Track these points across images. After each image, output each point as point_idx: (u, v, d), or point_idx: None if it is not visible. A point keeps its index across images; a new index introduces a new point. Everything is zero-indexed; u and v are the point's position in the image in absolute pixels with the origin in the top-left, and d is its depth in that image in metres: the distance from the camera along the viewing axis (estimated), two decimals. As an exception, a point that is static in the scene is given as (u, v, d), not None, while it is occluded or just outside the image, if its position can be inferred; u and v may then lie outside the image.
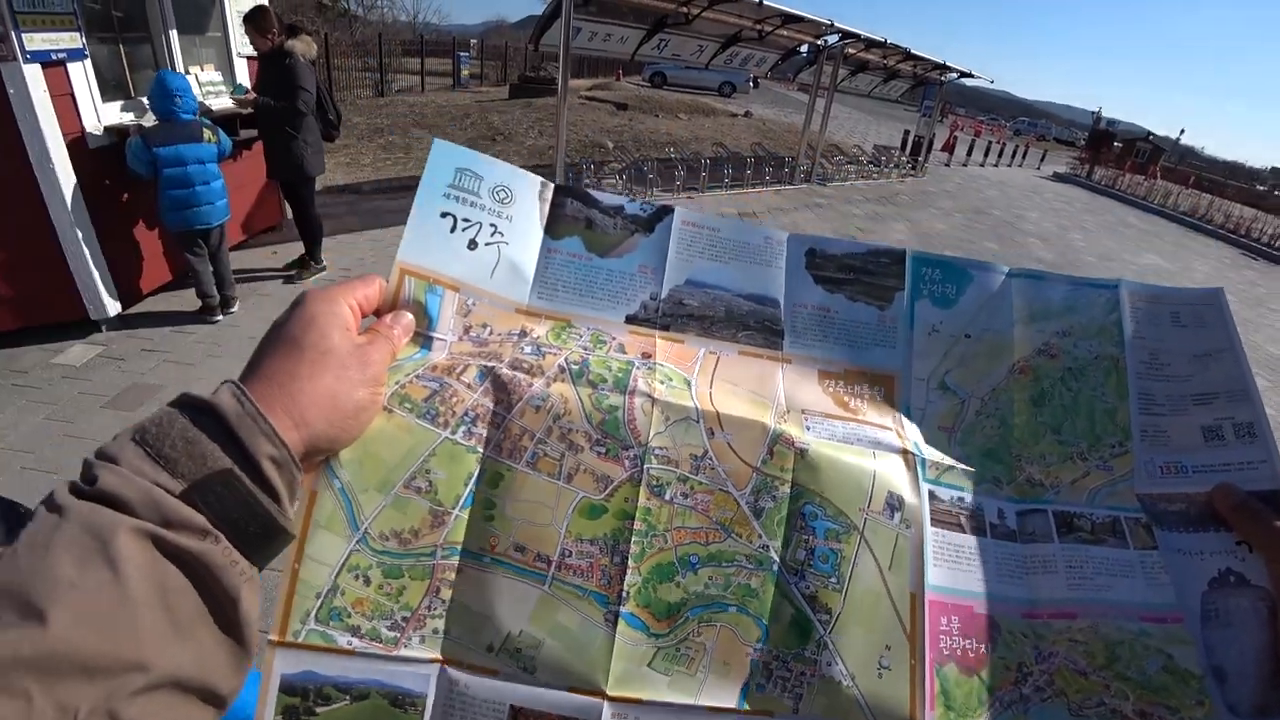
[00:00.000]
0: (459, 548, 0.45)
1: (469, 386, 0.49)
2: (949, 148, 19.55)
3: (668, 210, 0.60)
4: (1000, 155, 20.80)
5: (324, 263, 5.01)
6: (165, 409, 0.36)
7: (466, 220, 0.54)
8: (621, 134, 11.69)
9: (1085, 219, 13.67)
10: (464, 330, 0.52)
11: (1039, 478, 0.55)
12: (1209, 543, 0.51)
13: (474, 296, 0.53)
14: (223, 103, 4.60)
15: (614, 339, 0.55)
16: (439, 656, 0.43)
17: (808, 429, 0.52)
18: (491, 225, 0.55)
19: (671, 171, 8.80)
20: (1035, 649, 0.48)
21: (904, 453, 0.53)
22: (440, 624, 0.44)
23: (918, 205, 10.87)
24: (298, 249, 4.98)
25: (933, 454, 0.54)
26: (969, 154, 20.37)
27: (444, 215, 0.53)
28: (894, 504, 0.50)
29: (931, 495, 0.52)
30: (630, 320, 0.56)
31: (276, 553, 0.39)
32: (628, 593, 0.45)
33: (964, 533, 0.51)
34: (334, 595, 0.43)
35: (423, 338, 0.51)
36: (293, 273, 4.91)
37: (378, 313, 0.49)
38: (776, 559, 0.47)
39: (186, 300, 4.15)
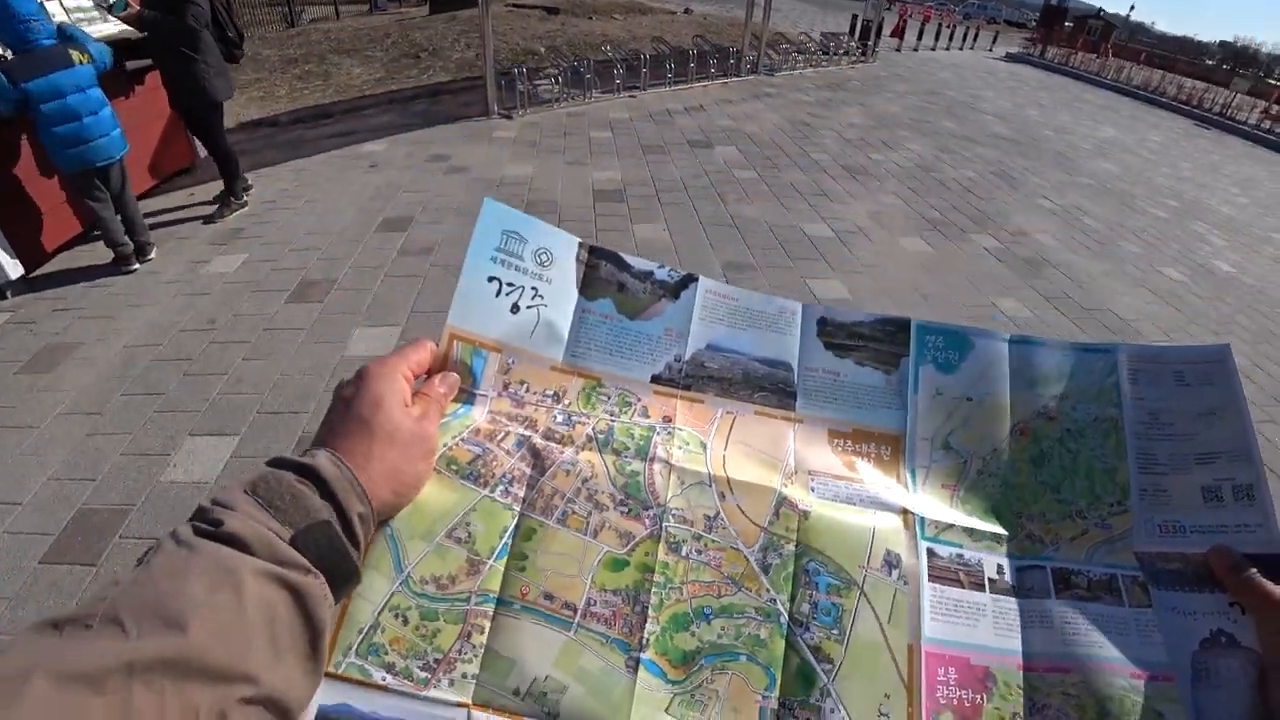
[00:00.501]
0: (493, 595, 0.50)
1: (508, 453, 0.55)
2: (899, 33, 18.98)
3: (693, 278, 0.65)
4: (951, 39, 20.10)
5: (245, 199, 4.69)
6: (271, 470, 0.44)
7: (511, 285, 0.60)
8: (554, 39, 10.96)
9: (1041, 96, 13.50)
10: (503, 387, 0.58)
11: (1039, 534, 0.57)
12: (1203, 603, 0.53)
13: (514, 355, 0.59)
14: (105, 29, 4.11)
15: (639, 400, 0.60)
16: (467, 701, 0.47)
17: (812, 490, 0.56)
18: (533, 289, 0.61)
19: (610, 71, 8.38)
20: (1029, 701, 0.51)
21: (904, 512, 0.57)
22: (470, 668, 0.48)
23: (870, 90, 10.63)
24: (216, 189, 4.70)
25: (933, 513, 0.57)
26: (919, 38, 19.85)
27: (490, 279, 0.59)
28: (892, 561, 0.54)
29: (930, 553, 0.55)
30: (655, 380, 0.61)
31: (347, 594, 0.46)
32: (647, 640, 0.49)
33: (962, 588, 0.55)
34: (375, 632, 0.47)
35: (467, 394, 0.57)
36: (212, 211, 4.54)
37: (429, 371, 0.56)
38: (783, 611, 0.51)
39: (100, 253, 3.90)
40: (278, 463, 0.44)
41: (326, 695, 0.45)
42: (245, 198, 4.70)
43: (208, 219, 4.51)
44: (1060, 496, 0.59)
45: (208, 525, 0.39)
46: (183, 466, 2.49)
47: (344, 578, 0.43)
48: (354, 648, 0.47)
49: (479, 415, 0.57)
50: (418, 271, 3.95)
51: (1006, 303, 4.31)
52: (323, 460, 0.44)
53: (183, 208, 4.69)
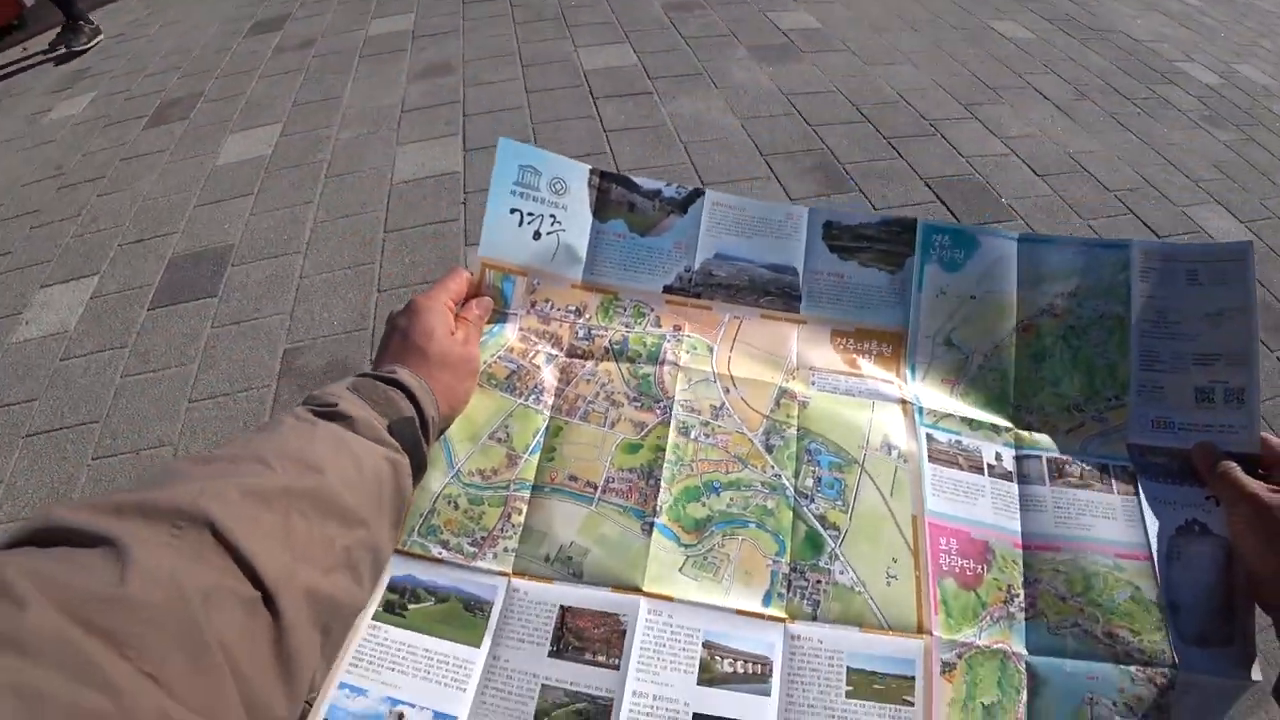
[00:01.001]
0: (528, 483, 0.57)
1: (538, 368, 0.62)
2: None
3: (700, 193, 0.68)
4: None
5: (96, 23, 4.05)
6: (362, 378, 0.52)
7: (530, 214, 0.66)
8: None
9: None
10: (531, 305, 0.65)
11: (1037, 426, 0.61)
12: (1183, 495, 0.57)
13: (538, 277, 0.66)
14: None
15: (652, 311, 0.65)
16: (508, 570, 0.53)
17: (813, 384, 0.61)
18: (551, 216, 0.66)
19: None
20: (1023, 574, 0.55)
21: (902, 402, 0.60)
22: (510, 544, 0.54)
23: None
24: (51, 38, 4.08)
25: (931, 403, 0.61)
26: None
27: (512, 211, 0.65)
28: (891, 444, 0.58)
29: (929, 437, 0.59)
30: (667, 289, 0.66)
31: (415, 483, 0.54)
32: (660, 508, 0.55)
33: (961, 470, 0.58)
34: (432, 516, 0.55)
35: (500, 314, 0.64)
36: (61, 50, 3.95)
37: (466, 297, 0.64)
38: (789, 485, 0.56)
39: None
40: (365, 375, 0.53)
41: (395, 568, 0.53)
42: (96, 22, 4.03)
43: (61, 59, 3.91)
44: (1059, 390, 0.61)
45: (323, 407, 0.47)
46: (36, 322, 2.19)
47: (419, 467, 0.52)
48: (416, 529, 0.54)
49: (511, 333, 0.64)
50: (297, 66, 3.46)
51: (1004, 25, 3.80)
52: (403, 374, 0.53)
53: (15, 64, 4.07)
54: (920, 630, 0.51)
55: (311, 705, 0.45)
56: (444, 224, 1.79)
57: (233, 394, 1.39)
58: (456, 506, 0.55)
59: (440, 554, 0.53)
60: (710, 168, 2.12)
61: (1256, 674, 0.51)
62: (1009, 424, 0.61)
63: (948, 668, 0.50)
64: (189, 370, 1.51)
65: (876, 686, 0.49)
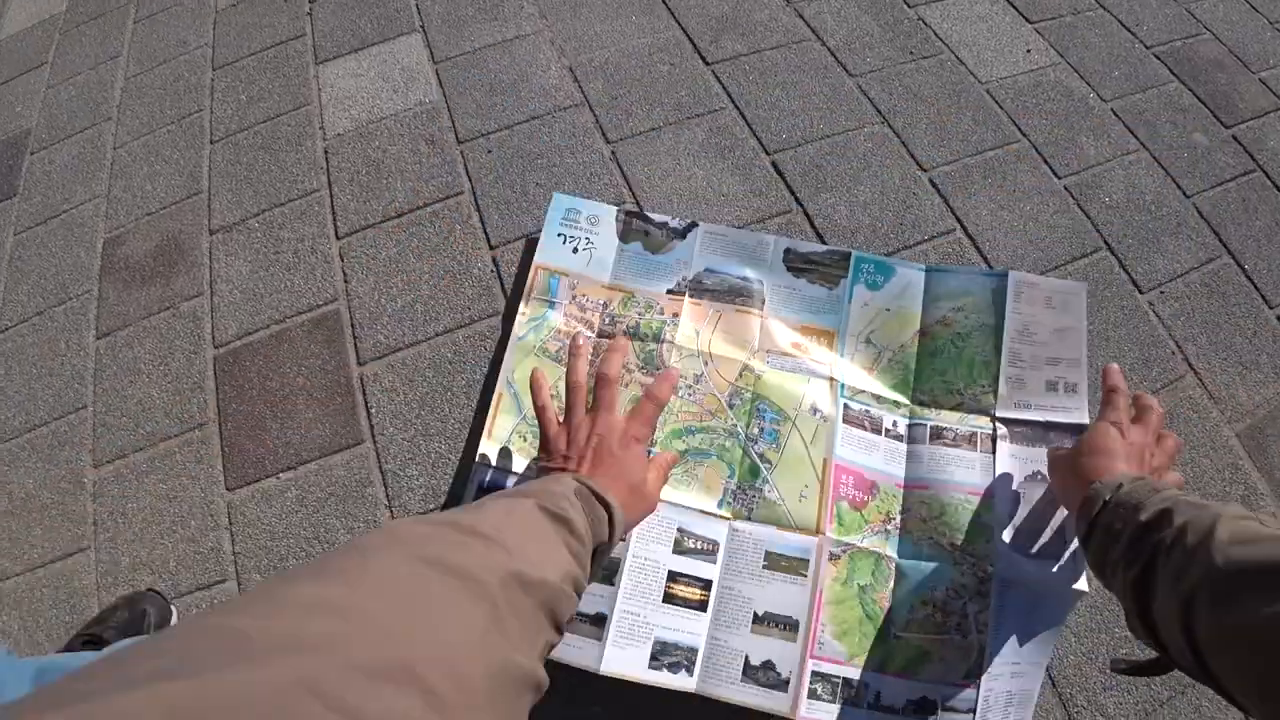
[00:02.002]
0: None
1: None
2: None
3: (695, 224, 0.97)
4: None
5: None
6: (584, 488, 0.56)
7: (573, 237, 0.95)
8: None
9: None
10: (571, 297, 0.93)
11: (927, 403, 0.88)
12: (1032, 455, 0.83)
13: (577, 279, 0.94)
14: None
15: (658, 304, 0.93)
16: None
17: (767, 363, 0.88)
18: (586, 238, 0.96)
19: None
20: (901, 505, 0.82)
21: (830, 380, 0.88)
22: None
23: None
24: None
25: (852, 381, 0.88)
26: None
27: (559, 235, 0.95)
28: (817, 409, 0.86)
29: (846, 407, 0.87)
30: (669, 291, 0.94)
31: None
32: (656, 442, 0.84)
33: (865, 431, 0.86)
34: (508, 443, 0.84)
35: (549, 303, 0.92)
36: None
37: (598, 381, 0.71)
38: (741, 432, 0.85)
39: None
40: (588, 487, 0.57)
41: (483, 476, 0.82)
42: None
43: None
44: (946, 379, 0.88)
45: (557, 511, 0.50)
46: None
47: (598, 568, 0.57)
48: (498, 452, 0.83)
49: (558, 318, 0.92)
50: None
51: None
52: (618, 513, 0.58)
53: None
54: (818, 531, 0.80)
55: None
56: (286, 44, 1.40)
57: (48, 310, 1.16)
58: (524, 439, 0.85)
59: (514, 467, 0.83)
60: None
61: (1083, 585, 0.76)
62: (907, 401, 0.88)
63: (834, 557, 0.79)
64: None
65: (783, 564, 0.79)
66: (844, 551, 0.79)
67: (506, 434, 0.85)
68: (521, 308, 0.92)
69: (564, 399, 0.72)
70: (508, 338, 0.92)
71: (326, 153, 1.20)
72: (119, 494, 0.95)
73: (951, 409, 0.86)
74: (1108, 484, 0.61)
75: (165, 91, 1.41)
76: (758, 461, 0.84)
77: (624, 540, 0.77)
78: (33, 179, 1.40)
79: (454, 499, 0.87)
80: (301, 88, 1.31)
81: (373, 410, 0.95)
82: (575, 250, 0.96)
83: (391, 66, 1.28)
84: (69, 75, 1.62)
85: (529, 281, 0.93)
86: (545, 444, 0.70)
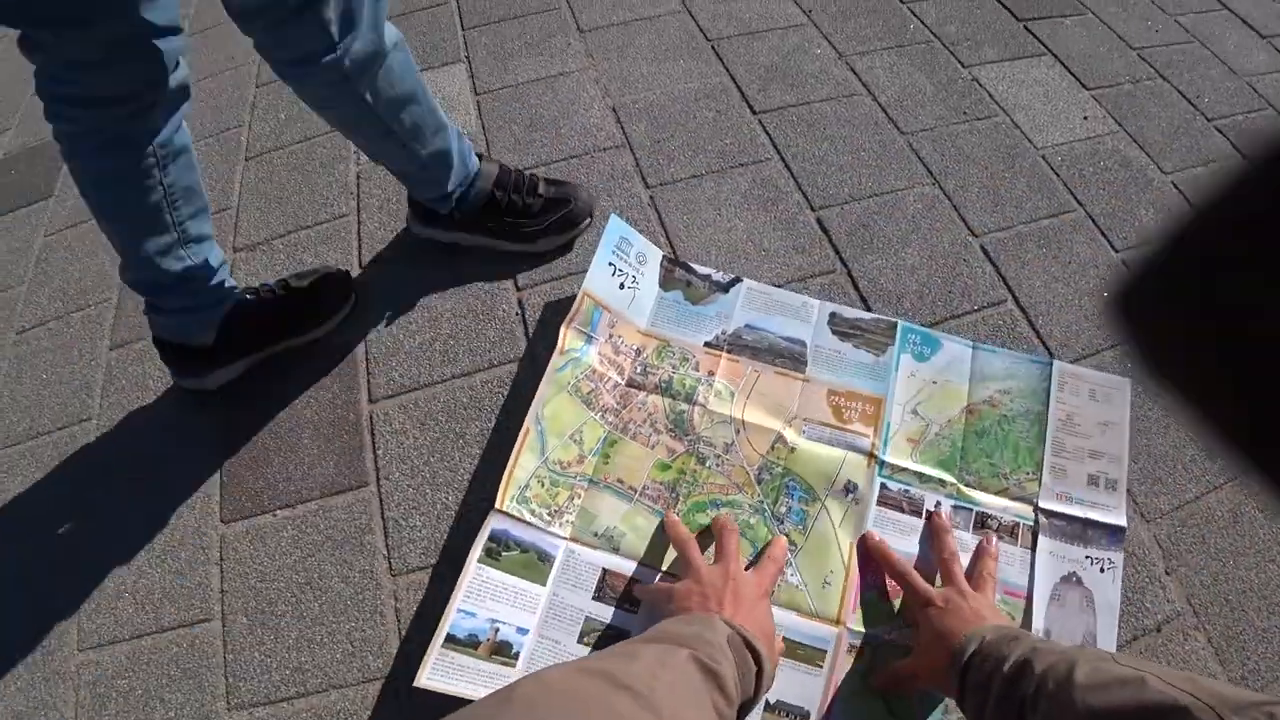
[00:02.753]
0: (588, 477, 0.81)
1: (607, 392, 0.85)
2: None
3: (739, 280, 0.92)
4: None
5: None
6: (737, 635, 0.58)
7: (621, 271, 0.91)
8: None
9: None
10: (608, 335, 0.89)
11: (974, 485, 0.82)
12: (1070, 552, 0.78)
13: (617, 317, 0.89)
14: None
15: (694, 357, 0.88)
16: (569, 536, 0.78)
17: (803, 433, 0.83)
18: (633, 276, 0.92)
19: None
20: None
21: (869, 455, 0.82)
22: (571, 518, 0.78)
23: None
24: None
25: (893, 459, 0.82)
26: None
27: (609, 264, 0.91)
28: (850, 487, 0.80)
29: (883, 486, 0.81)
30: (707, 344, 0.89)
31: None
32: (678, 514, 0.78)
33: (903, 513, 0.80)
34: (526, 489, 0.79)
35: (587, 337, 0.87)
36: None
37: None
38: (768, 510, 0.79)
39: None
40: (739, 634, 0.58)
41: (496, 523, 0.76)
42: None
43: None
44: (993, 461, 0.82)
45: (710, 664, 0.51)
46: None
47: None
48: (514, 497, 0.78)
49: (593, 356, 0.87)
50: None
51: None
52: (767, 667, 0.59)
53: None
54: (838, 622, 0.74)
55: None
56: None
57: (66, 315, 1.13)
58: (542, 485, 0.80)
59: (528, 518, 0.78)
60: None
61: None
62: (954, 480, 0.82)
63: (853, 649, 0.73)
64: (17, 294, 1.19)
65: (800, 652, 0.72)
66: (867, 644, 0.73)
67: (526, 476, 0.80)
68: (563, 330, 0.87)
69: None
70: (524, 384, 0.89)
71: (359, 177, 1.18)
72: (112, 514, 0.90)
73: (997, 493, 0.81)
74: (970, 639, 0.61)
75: (208, 104, 1.41)
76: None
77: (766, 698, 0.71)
78: (69, 182, 1.35)
79: (456, 556, 0.81)
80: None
81: (380, 452, 0.90)
82: (621, 286, 0.92)
83: (433, 93, 1.26)
84: (122, 83, 1.61)
85: (575, 306, 0.88)
86: (691, 574, 0.70)
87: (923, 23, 1.38)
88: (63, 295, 1.17)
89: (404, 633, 0.78)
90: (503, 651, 0.71)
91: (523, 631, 0.72)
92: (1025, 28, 1.39)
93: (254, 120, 1.33)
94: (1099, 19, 1.43)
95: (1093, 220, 1.09)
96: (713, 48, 1.32)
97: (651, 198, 1.10)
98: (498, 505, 0.77)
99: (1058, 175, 1.15)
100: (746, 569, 0.71)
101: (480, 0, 1.45)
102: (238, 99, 1.39)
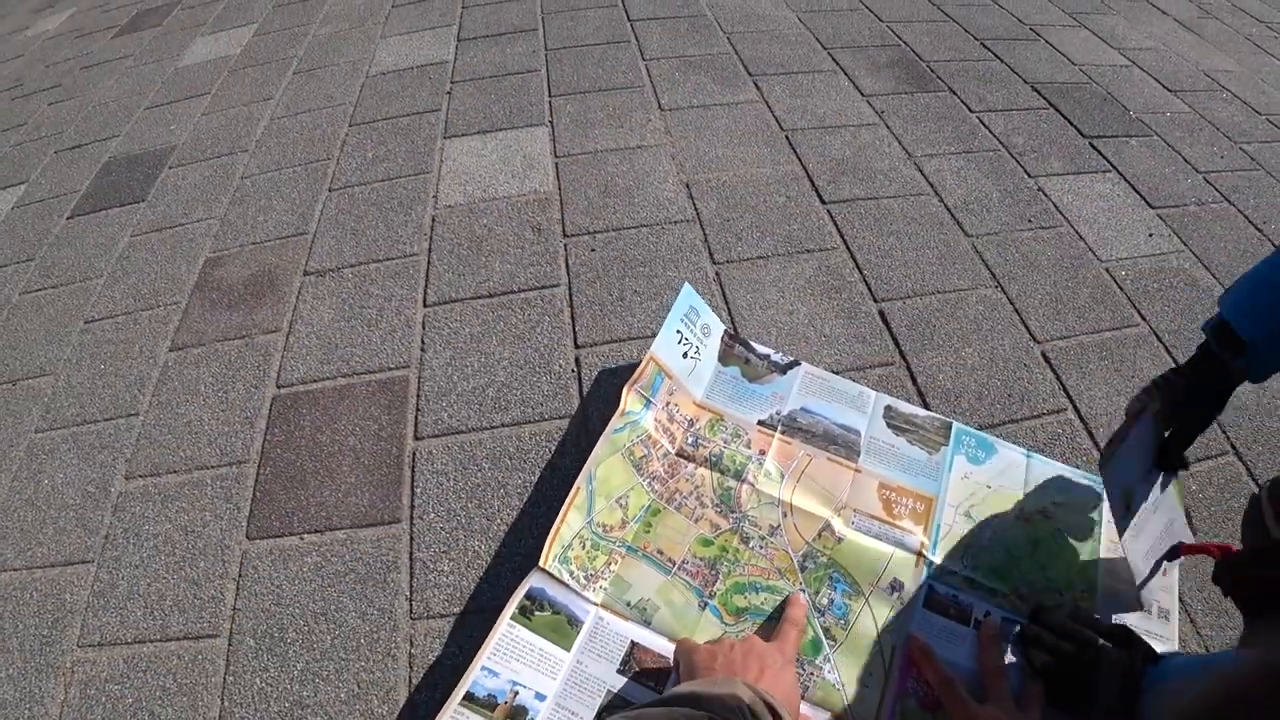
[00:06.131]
0: (629, 544, 0.78)
1: (657, 460, 0.84)
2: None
3: (797, 363, 0.92)
4: None
5: None
6: (765, 703, 0.56)
7: (686, 340, 0.92)
8: None
9: None
10: (665, 403, 0.88)
11: (1026, 595, 0.77)
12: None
13: (677, 385, 0.89)
14: None
15: (746, 434, 0.87)
16: (599, 602, 0.75)
17: (852, 524, 0.80)
18: (697, 347, 0.92)
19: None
20: None
21: (919, 554, 0.78)
22: (605, 584, 0.75)
23: None
24: None
25: (944, 562, 0.78)
26: None
27: (677, 332, 0.92)
28: (896, 586, 0.76)
29: (930, 588, 0.77)
30: (760, 423, 0.88)
31: None
32: (715, 593, 0.75)
33: (949, 618, 0.75)
34: (569, 549, 0.76)
35: (647, 401, 0.87)
36: None
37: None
38: (809, 600, 0.75)
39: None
40: (764, 700, 0.57)
41: (536, 581, 0.74)
42: None
43: None
44: (1048, 574, 0.78)
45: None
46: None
47: None
48: (557, 557, 0.76)
49: (650, 421, 0.86)
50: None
51: None
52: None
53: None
54: None
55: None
56: (421, 115, 1.50)
57: (135, 312, 1.19)
58: (584, 546, 0.77)
59: (565, 578, 0.75)
60: (760, 58, 1.75)
61: None
62: (1007, 590, 0.77)
63: None
64: (93, 285, 1.27)
65: None
66: None
67: (571, 535, 0.77)
68: (625, 392, 0.86)
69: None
70: (570, 442, 0.88)
71: (434, 220, 1.22)
72: (140, 513, 0.90)
73: (1052, 608, 0.75)
74: None
75: (301, 136, 1.51)
76: (822, 636, 0.73)
77: None
78: (163, 190, 1.52)
79: (480, 607, 0.78)
80: (425, 156, 1.37)
81: (418, 490, 0.89)
82: (685, 355, 0.92)
83: (514, 152, 1.32)
84: (224, 107, 1.83)
85: (640, 369, 0.88)
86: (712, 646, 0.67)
87: (990, 131, 1.42)
88: (135, 293, 1.22)
89: (414, 681, 0.74)
90: (518, 717, 0.67)
91: (540, 698, 0.69)
92: (1090, 144, 1.42)
93: (342, 155, 1.41)
94: (1164, 141, 1.45)
95: (1157, 336, 1.07)
96: (786, 137, 1.36)
97: (717, 273, 1.12)
98: (541, 563, 0.74)
99: (1121, 289, 1.14)
100: (768, 639, 0.69)
101: (569, 72, 1.54)
102: (330, 134, 1.47)
